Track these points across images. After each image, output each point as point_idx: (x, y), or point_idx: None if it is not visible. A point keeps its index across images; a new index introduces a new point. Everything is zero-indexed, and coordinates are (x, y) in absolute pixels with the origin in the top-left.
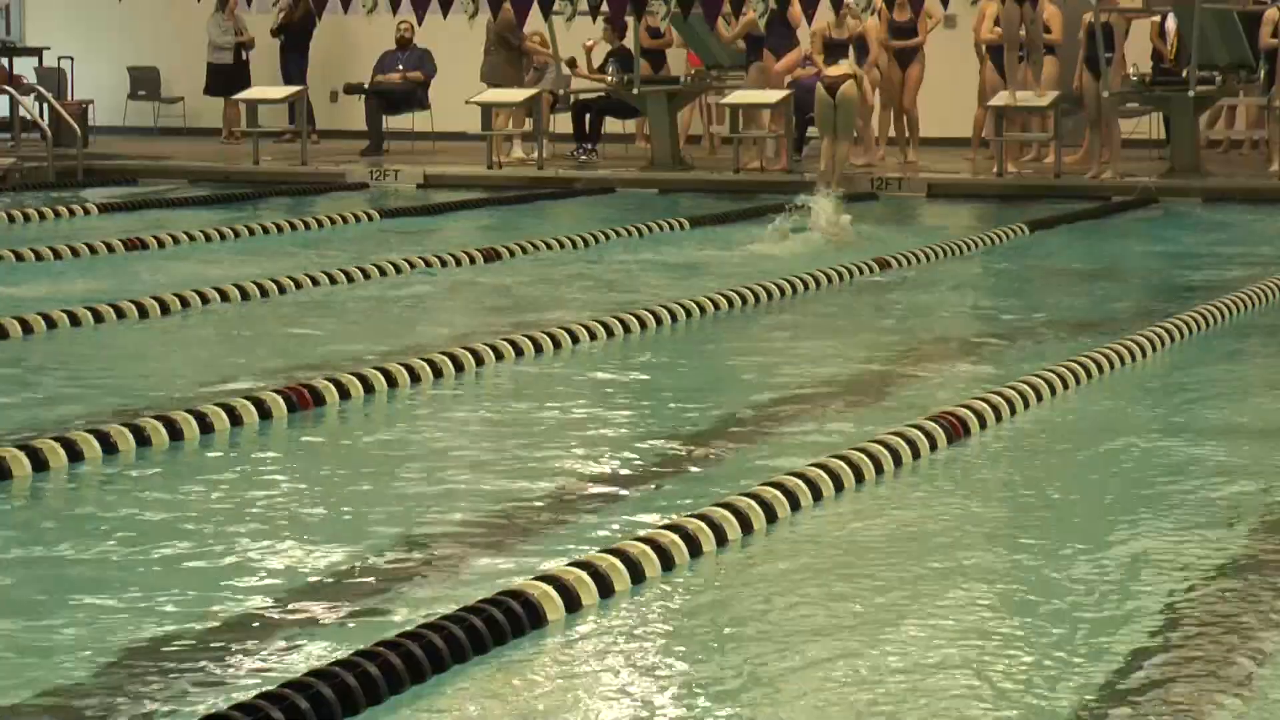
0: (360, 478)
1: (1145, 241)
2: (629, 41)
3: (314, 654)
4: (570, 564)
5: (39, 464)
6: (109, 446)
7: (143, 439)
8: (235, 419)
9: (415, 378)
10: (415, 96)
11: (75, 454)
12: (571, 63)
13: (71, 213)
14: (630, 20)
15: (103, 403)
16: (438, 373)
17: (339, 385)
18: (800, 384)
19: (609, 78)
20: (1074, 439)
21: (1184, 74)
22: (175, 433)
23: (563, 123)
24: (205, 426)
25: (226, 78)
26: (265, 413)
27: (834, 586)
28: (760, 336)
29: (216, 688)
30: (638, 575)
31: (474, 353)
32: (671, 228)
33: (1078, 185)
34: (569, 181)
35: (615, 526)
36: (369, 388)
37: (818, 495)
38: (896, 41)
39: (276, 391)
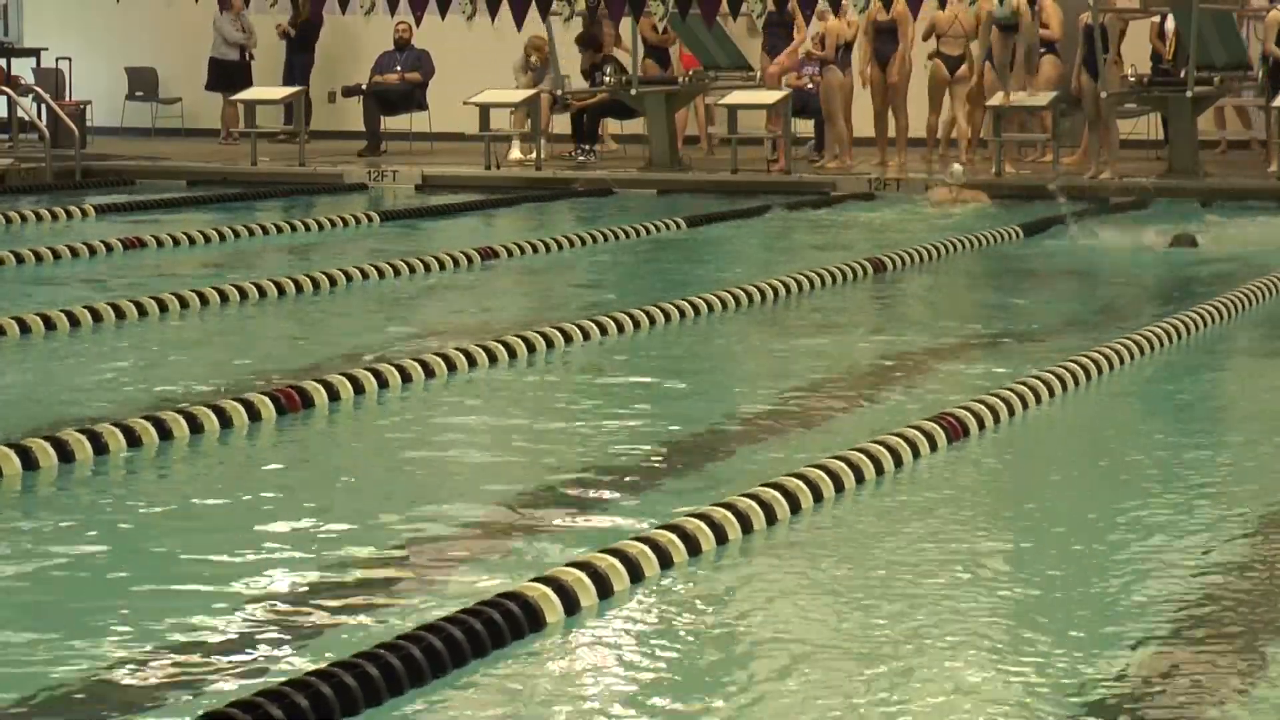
0: (355, 480)
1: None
2: (621, 46)
3: (313, 655)
4: (569, 564)
5: (29, 463)
6: (100, 446)
7: (133, 439)
8: (225, 421)
9: (407, 378)
10: (413, 97)
11: (66, 454)
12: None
13: (69, 214)
14: (628, 20)
15: (100, 403)
16: (430, 373)
17: (329, 387)
18: (797, 385)
19: (607, 78)
20: (1072, 440)
21: (1182, 74)
22: (165, 433)
23: (561, 123)
24: (195, 427)
25: (230, 75)
26: (254, 414)
27: (833, 586)
28: (757, 337)
29: (214, 687)
30: (636, 575)
31: (466, 354)
32: None
33: (1075, 186)
34: (567, 182)
35: (614, 526)
36: (359, 389)
37: (818, 496)
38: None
39: (264, 393)
